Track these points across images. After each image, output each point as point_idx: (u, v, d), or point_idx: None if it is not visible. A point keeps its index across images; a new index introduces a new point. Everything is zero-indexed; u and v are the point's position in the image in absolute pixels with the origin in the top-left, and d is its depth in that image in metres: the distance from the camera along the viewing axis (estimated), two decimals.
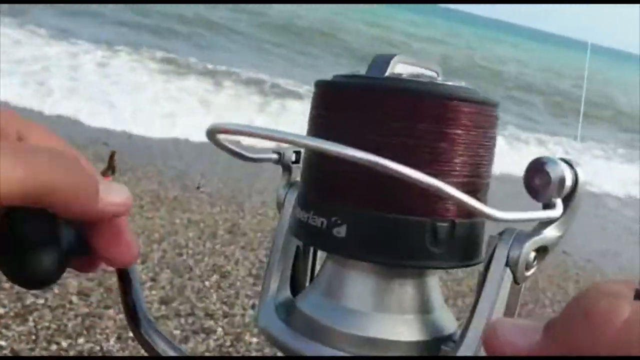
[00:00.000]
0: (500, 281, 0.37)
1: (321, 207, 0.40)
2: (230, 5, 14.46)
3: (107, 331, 2.40)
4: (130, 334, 2.35)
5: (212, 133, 0.38)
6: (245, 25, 12.34)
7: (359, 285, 0.41)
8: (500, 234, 0.38)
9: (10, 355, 2.17)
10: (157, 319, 2.51)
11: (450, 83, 0.40)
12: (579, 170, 0.38)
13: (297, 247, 0.48)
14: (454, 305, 3.01)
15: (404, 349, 0.40)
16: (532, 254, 0.38)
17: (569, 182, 0.37)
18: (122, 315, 2.44)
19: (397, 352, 0.40)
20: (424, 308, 0.41)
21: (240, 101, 6.70)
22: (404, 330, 0.40)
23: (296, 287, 0.49)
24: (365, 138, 0.38)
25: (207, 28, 10.89)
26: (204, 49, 9.07)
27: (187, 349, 2.37)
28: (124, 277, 0.43)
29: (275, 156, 0.49)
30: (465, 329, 0.38)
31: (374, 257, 0.39)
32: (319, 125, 0.42)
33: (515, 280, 0.37)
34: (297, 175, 0.48)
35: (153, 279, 2.81)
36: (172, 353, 0.43)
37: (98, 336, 2.37)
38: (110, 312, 2.50)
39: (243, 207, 3.83)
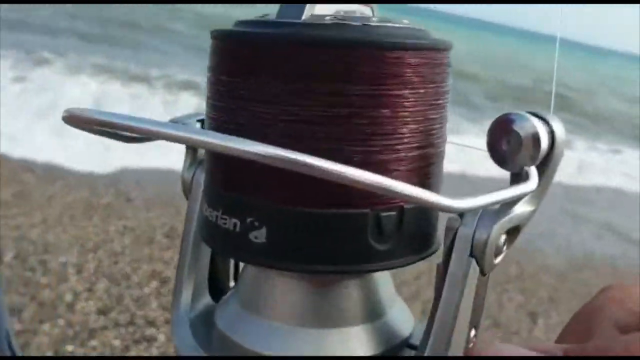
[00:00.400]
0: (464, 275, 0.30)
1: (232, 205, 0.31)
2: (162, 5, 14.21)
3: (43, 347, 2.31)
4: (68, 348, 2.29)
5: (69, 122, 0.28)
6: (181, 25, 12.13)
7: (288, 296, 0.33)
8: (461, 215, 0.30)
9: None
10: (95, 330, 2.43)
11: (389, 24, 0.31)
12: (555, 126, 0.30)
13: None
14: None
15: None
16: (503, 237, 0.31)
17: (544, 144, 0.30)
18: (58, 330, 2.36)
19: None
20: (373, 314, 0.34)
21: (176, 106, 6.43)
22: (349, 346, 0.33)
23: (218, 288, 0.41)
24: (281, 113, 0.29)
25: (136, 30, 10.65)
26: (134, 52, 8.83)
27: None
28: None
29: None
30: (427, 334, 0.31)
31: (304, 267, 0.30)
32: (220, 95, 0.32)
33: (482, 271, 0.31)
34: None
35: (89, 289, 2.71)
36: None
37: (34, 353, 2.27)
38: (46, 326, 2.40)
39: (180, 210, 3.75)
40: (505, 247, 0.31)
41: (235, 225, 0.31)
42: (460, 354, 0.31)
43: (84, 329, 2.43)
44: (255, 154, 0.24)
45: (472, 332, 0.31)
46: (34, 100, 5.35)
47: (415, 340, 0.34)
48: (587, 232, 4.94)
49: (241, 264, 0.40)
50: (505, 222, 0.30)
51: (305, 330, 0.33)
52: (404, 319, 0.35)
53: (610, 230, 4.98)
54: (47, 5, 10.87)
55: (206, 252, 0.40)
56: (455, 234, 0.30)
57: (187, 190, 0.40)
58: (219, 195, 0.32)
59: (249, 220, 0.30)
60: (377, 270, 0.32)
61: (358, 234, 0.30)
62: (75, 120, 0.27)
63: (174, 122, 0.40)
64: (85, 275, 2.82)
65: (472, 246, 0.30)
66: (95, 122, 0.27)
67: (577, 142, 8.19)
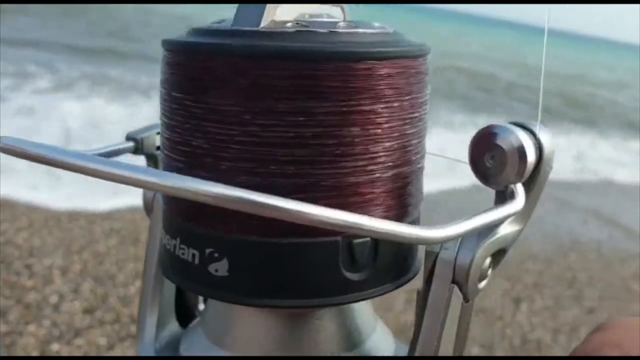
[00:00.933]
0: (446, 304, 0.28)
1: (190, 234, 0.28)
2: (136, 8, 14.20)
3: (29, 347, 2.33)
4: (54, 348, 2.31)
5: (3, 151, 0.25)
6: (159, 29, 12.12)
7: (256, 330, 0.31)
8: None
9: None
10: (81, 330, 2.46)
11: (360, 30, 0.27)
12: (542, 137, 0.27)
13: None
14: None
15: None
16: (487, 260, 0.28)
17: (531, 158, 0.27)
18: (44, 330, 2.38)
19: None
20: (350, 343, 0.31)
21: None
22: None
23: (186, 312, 0.39)
24: (238, 134, 0.26)
25: (123, 38, 10.63)
26: (123, 61, 8.75)
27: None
28: None
29: (130, 144, 0.37)
30: None
31: (270, 302, 0.27)
32: (172, 113, 0.28)
33: (465, 298, 0.28)
34: None
35: (74, 290, 2.74)
36: None
37: (20, 353, 2.29)
38: (31, 327, 2.43)
39: None
40: (490, 271, 0.29)
41: (193, 256, 0.28)
42: None
43: (69, 328, 2.45)
44: (194, 193, 0.21)
45: None
46: (17, 120, 5.02)
47: None
48: (573, 218, 4.97)
49: None
50: (489, 244, 0.28)
51: None
52: (383, 346, 0.33)
53: (597, 216, 5.01)
54: (34, 13, 10.85)
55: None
56: (435, 260, 0.28)
57: (149, 208, 0.37)
58: (177, 224, 0.29)
59: (207, 251, 0.27)
60: (351, 301, 0.29)
61: (329, 263, 0.27)
62: (8, 151, 0.25)
63: (131, 137, 0.37)
64: (71, 276, 2.85)
65: (454, 272, 0.28)
66: (28, 156, 0.24)
67: (565, 130, 8.19)
